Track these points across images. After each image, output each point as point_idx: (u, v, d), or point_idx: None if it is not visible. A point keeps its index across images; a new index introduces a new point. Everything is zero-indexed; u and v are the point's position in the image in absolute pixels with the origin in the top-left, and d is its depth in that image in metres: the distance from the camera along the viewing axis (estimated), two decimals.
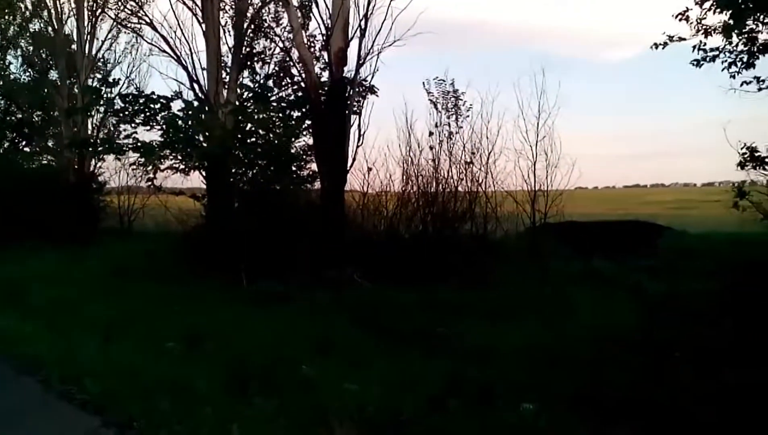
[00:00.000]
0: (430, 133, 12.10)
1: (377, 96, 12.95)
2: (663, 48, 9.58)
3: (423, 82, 12.29)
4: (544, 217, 12.26)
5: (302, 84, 13.18)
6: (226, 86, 13.96)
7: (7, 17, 22.57)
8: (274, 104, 13.77)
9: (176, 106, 12.77)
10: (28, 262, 13.29)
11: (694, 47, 9.22)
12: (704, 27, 9.11)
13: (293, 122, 13.14)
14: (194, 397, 4.31)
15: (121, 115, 13.49)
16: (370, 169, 11.89)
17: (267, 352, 5.39)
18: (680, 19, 9.30)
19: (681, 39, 9.37)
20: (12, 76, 23.15)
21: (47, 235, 17.11)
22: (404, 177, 11.97)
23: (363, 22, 11.03)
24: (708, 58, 9.20)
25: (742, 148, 9.11)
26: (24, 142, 23.72)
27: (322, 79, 12.16)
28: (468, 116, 12.22)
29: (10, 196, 18.57)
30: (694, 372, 4.89)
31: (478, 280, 9.69)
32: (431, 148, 12.02)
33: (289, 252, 10.85)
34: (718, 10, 8.45)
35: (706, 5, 8.82)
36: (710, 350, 5.43)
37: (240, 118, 12.75)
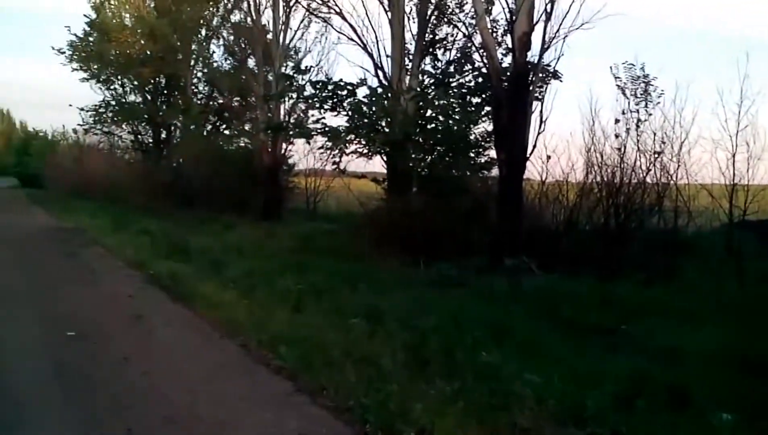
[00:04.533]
0: (616, 121, 11.57)
1: (561, 81, 12.59)
2: None
3: (610, 67, 11.75)
4: (744, 213, 11.22)
5: (483, 70, 13.12)
6: (409, 73, 14.25)
7: (211, 9, 24.76)
8: (455, 90, 13.86)
9: (361, 92, 13.33)
10: (224, 235, 14.55)
11: None
12: None
13: (473, 108, 13.15)
14: (379, 373, 4.50)
15: (311, 101, 14.31)
16: (549, 157, 11.62)
17: (445, 335, 5.46)
18: None
19: None
20: (215, 64, 25.37)
21: (241, 211, 18.66)
22: (586, 166, 11.54)
23: (549, 6, 10.71)
24: None
25: None
26: (224, 126, 25.99)
27: (504, 65, 12.00)
28: (659, 103, 11.51)
29: (211, 174, 20.46)
30: None
31: (666, 276, 9.13)
32: (617, 136, 11.48)
33: (466, 238, 10.93)
34: None
35: None
36: None
37: (421, 104, 12.98)
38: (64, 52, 25.47)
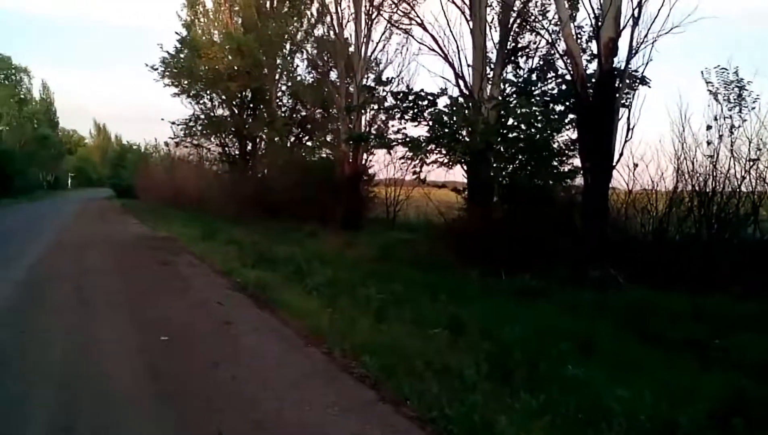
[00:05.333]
0: (708, 127, 11.04)
1: (649, 87, 12.19)
2: None
3: (701, 72, 11.25)
4: None
5: (567, 77, 12.86)
6: (490, 81, 14.15)
7: (296, 24, 25.44)
8: (537, 98, 13.65)
9: (442, 102, 13.32)
10: (307, 244, 14.85)
11: None
12: None
13: (556, 116, 12.90)
14: (462, 384, 4.48)
15: (392, 111, 14.42)
16: (636, 166, 11.25)
17: (528, 346, 5.38)
18: None
19: None
20: (298, 78, 26.00)
21: (323, 220, 19.00)
22: (676, 174, 11.10)
23: (636, 10, 10.39)
24: None
25: None
26: (307, 137, 26.59)
27: (589, 71, 11.73)
28: (754, 108, 10.93)
29: (294, 184, 20.94)
30: None
31: (763, 289, 8.64)
32: (709, 143, 10.96)
33: (549, 248, 10.72)
34: None
35: None
36: None
37: (502, 112, 12.85)
38: (156, 69, 26.71)
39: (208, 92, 27.05)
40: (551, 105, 13.52)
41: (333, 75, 22.47)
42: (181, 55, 26.46)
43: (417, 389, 4.48)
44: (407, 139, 13.49)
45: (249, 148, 27.76)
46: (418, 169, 13.49)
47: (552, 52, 14.29)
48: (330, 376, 5.13)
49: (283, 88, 26.69)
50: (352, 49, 20.45)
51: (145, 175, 40.92)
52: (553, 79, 14.33)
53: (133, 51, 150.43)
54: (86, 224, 23.32)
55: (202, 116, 27.67)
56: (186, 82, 26.53)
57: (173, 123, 27.91)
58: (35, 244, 15.06)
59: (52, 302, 8.13)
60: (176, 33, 27.04)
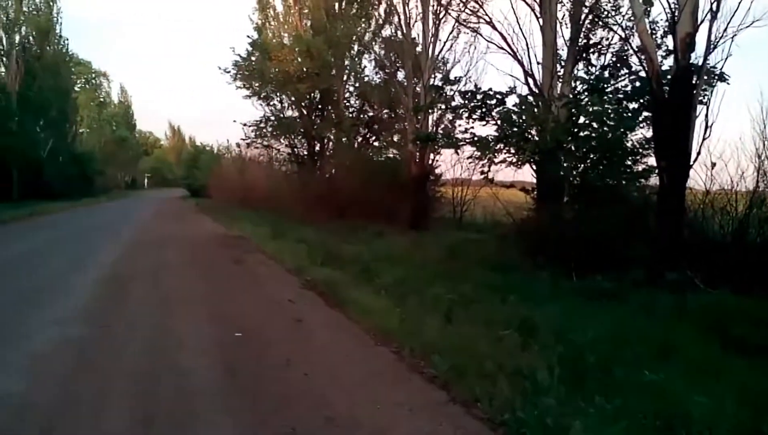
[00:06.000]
0: None
1: (728, 84, 11.71)
2: None
3: None
4: None
5: (641, 73, 12.53)
6: (560, 79, 13.88)
7: (363, 25, 25.64)
8: (610, 96, 13.33)
9: (510, 101, 13.18)
10: (374, 244, 14.94)
11: None
12: None
13: (629, 114, 12.57)
14: (534, 386, 4.43)
15: (459, 111, 14.36)
16: (714, 165, 10.82)
17: (602, 349, 5.27)
18: None
19: None
20: (366, 78, 26.18)
21: (390, 220, 19.07)
22: (758, 173, 10.62)
23: (715, 4, 10.01)
24: None
25: None
26: (374, 138, 26.75)
27: (664, 68, 11.35)
28: None
29: (361, 184, 21.11)
30: None
31: None
32: None
33: (622, 249, 10.46)
34: None
35: None
36: None
37: (573, 111, 12.60)
38: (229, 72, 27.38)
39: (278, 94, 27.51)
40: (624, 102, 13.19)
41: (400, 75, 22.51)
42: (252, 58, 27.01)
43: (488, 391, 4.45)
44: (475, 139, 13.41)
45: (317, 148, 28.09)
46: (486, 169, 13.41)
47: (625, 48, 13.94)
48: (400, 376, 5.16)
49: (351, 88, 26.91)
50: (419, 48, 20.46)
51: (218, 176, 42.02)
52: (627, 76, 13.96)
53: (206, 54, 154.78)
54: (162, 223, 24.23)
55: (272, 118, 28.20)
56: (257, 84, 27.06)
57: (244, 124, 28.60)
58: (116, 241, 15.76)
59: (134, 298, 8.50)
60: (248, 36, 27.69)
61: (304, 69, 25.00)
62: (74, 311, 7.47)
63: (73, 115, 50.32)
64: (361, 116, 26.95)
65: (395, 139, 25.19)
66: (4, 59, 38.43)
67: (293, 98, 27.05)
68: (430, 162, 20.60)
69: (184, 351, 5.80)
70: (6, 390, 4.64)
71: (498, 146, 12.93)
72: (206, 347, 5.99)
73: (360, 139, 26.94)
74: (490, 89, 13.42)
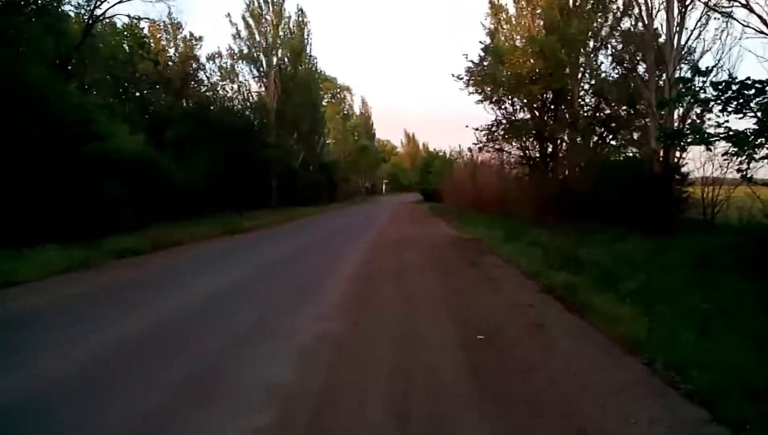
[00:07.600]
0: None
1: None
2: None
3: None
4: None
5: None
6: None
7: (600, 20, 24.57)
8: None
9: None
10: (613, 247, 14.24)
11: None
12: None
13: None
14: None
15: (710, 104, 13.10)
16: None
17: None
18: None
19: None
20: (602, 75, 25.06)
21: (629, 223, 18.04)
22: None
23: None
24: None
25: None
26: (610, 136, 25.50)
27: None
28: None
29: (596, 185, 20.24)
30: None
31: None
32: None
33: None
34: None
35: None
36: None
37: None
38: (461, 78, 27.90)
39: (509, 97, 27.42)
40: None
41: (640, 69, 21.14)
42: (485, 63, 27.26)
43: (759, 412, 4.02)
44: (731, 133, 12.14)
45: (549, 150, 27.49)
46: (744, 166, 12.10)
47: None
48: (653, 389, 4.86)
49: (586, 86, 25.93)
50: (662, 39, 19.06)
51: (450, 180, 43.13)
52: None
53: (438, 62, 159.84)
54: (400, 226, 25.51)
55: (504, 121, 28.18)
56: (489, 88, 27.23)
57: (476, 129, 28.90)
58: (361, 242, 16.94)
59: (381, 297, 9.05)
60: (480, 42, 28.00)
61: (537, 70, 24.62)
62: (329, 308, 8.21)
63: (322, 128, 55.14)
64: (597, 114, 25.84)
65: (635, 136, 23.78)
66: (264, 80, 43.20)
67: (525, 100, 26.77)
68: (675, 160, 19.09)
69: (430, 349, 6.04)
70: (279, 380, 5.21)
71: (759, 141, 11.58)
72: (451, 347, 6.17)
73: (596, 139, 25.85)
74: (748, 78, 12.04)
